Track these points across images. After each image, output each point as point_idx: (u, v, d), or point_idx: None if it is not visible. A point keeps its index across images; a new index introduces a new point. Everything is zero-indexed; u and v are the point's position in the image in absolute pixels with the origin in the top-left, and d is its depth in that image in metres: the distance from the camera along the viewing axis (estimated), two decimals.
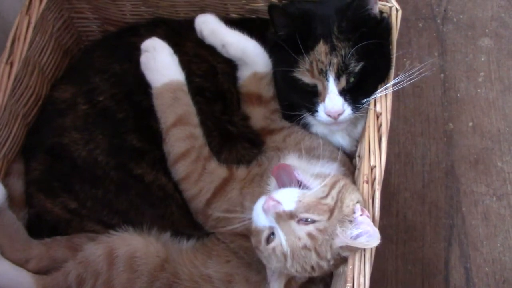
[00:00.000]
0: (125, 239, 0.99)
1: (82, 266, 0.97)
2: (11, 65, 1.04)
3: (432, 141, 1.47)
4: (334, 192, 0.89)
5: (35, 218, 1.06)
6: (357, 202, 0.89)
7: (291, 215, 0.85)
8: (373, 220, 0.89)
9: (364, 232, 0.84)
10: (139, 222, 1.02)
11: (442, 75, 1.56)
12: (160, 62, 1.04)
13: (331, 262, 0.87)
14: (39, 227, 1.05)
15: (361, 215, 0.86)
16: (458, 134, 1.48)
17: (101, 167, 1.03)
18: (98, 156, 1.03)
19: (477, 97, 1.52)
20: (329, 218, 0.86)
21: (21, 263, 0.99)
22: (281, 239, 0.85)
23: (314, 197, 0.88)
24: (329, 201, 0.88)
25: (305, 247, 0.85)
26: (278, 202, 0.85)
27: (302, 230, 0.85)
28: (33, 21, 1.08)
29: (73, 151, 1.03)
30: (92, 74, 1.10)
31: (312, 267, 0.86)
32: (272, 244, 0.87)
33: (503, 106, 1.51)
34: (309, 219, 0.86)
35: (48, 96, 1.14)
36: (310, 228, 0.85)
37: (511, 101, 1.52)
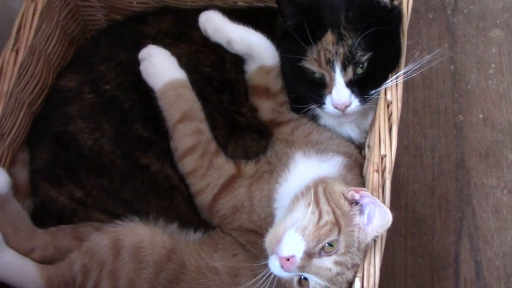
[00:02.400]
0: (131, 229, 0.97)
1: (87, 256, 0.96)
2: (17, 52, 1.03)
3: (442, 133, 1.45)
4: (324, 206, 0.87)
5: (40, 207, 1.05)
6: (343, 191, 0.88)
7: (309, 256, 0.84)
8: None
9: (370, 207, 0.83)
10: (145, 212, 1.01)
11: (452, 66, 1.54)
12: (158, 65, 1.03)
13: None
14: (44, 216, 1.04)
15: (360, 197, 0.85)
16: (469, 126, 1.45)
17: (107, 155, 1.02)
18: (104, 145, 1.02)
19: (488, 89, 1.50)
20: (340, 231, 0.84)
21: (26, 253, 0.98)
22: (315, 279, 0.83)
23: (312, 226, 0.85)
24: (326, 217, 0.85)
25: (338, 274, 0.83)
26: (292, 257, 0.83)
27: (327, 262, 0.84)
28: (39, 8, 1.07)
29: (79, 139, 1.02)
30: (98, 62, 1.09)
31: (352, 275, 0.85)
32: (310, 286, 0.85)
33: None
34: (326, 246, 0.84)
35: (53, 85, 1.13)
36: (334, 257, 0.84)
37: None
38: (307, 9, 1.02)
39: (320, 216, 0.86)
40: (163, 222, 1.01)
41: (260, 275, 0.87)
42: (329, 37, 1.00)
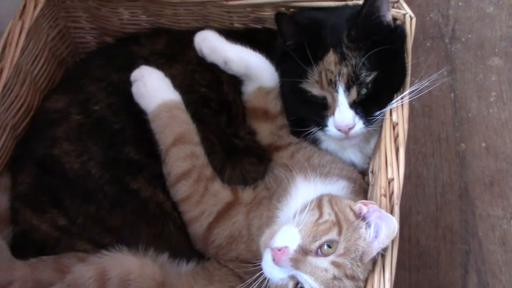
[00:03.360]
0: (119, 259, 0.90)
1: None
2: (1, 71, 0.98)
3: (444, 162, 1.40)
4: (326, 209, 0.83)
5: (20, 237, 0.97)
6: (350, 204, 0.83)
7: (303, 251, 0.78)
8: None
9: (377, 222, 0.78)
10: (134, 241, 0.94)
11: (452, 94, 1.51)
12: (151, 86, 0.98)
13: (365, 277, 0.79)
14: (25, 246, 0.96)
15: (367, 210, 0.80)
16: (471, 155, 1.41)
17: (95, 180, 0.95)
18: (91, 169, 0.95)
19: (489, 117, 1.47)
20: (340, 232, 0.79)
21: (3, 286, 0.90)
22: (309, 281, 0.77)
23: (310, 222, 0.81)
24: (327, 217, 0.81)
25: (335, 278, 0.76)
26: (285, 247, 0.78)
27: (324, 261, 0.78)
28: (26, 26, 1.03)
29: (64, 162, 0.96)
30: (87, 83, 1.04)
31: None
32: None
33: None
34: (324, 246, 0.78)
35: (39, 106, 1.08)
36: (331, 257, 0.78)
37: None
38: (307, 28, 0.99)
39: (320, 216, 0.81)
40: (153, 252, 0.94)
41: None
42: (331, 57, 0.96)
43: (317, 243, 0.78)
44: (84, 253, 0.94)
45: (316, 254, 0.78)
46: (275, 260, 0.77)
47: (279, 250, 0.77)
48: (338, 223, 0.79)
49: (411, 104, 1.47)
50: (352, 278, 0.77)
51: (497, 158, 1.40)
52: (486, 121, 1.46)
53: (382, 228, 0.78)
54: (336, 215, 0.80)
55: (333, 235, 0.78)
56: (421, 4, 1.67)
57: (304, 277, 0.76)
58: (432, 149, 1.43)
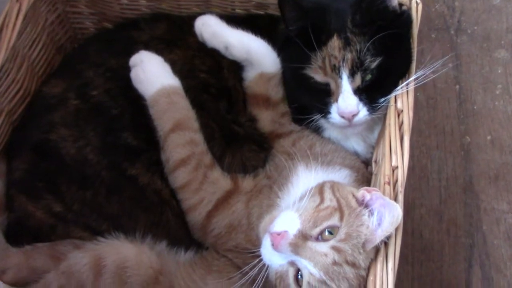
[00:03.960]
0: (115, 246, 0.88)
1: (65, 277, 0.86)
2: None
3: (448, 155, 1.38)
4: (328, 195, 0.80)
5: (15, 224, 0.95)
6: (353, 191, 0.81)
7: (303, 236, 0.76)
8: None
9: (380, 210, 0.76)
10: (131, 228, 0.92)
11: (457, 86, 1.48)
12: (150, 72, 0.96)
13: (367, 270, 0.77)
14: (20, 234, 0.94)
15: (370, 198, 0.78)
16: (476, 148, 1.38)
17: (92, 166, 0.93)
18: (88, 154, 0.93)
19: (495, 110, 1.44)
20: (342, 218, 0.77)
21: None
22: (309, 267, 0.74)
23: (310, 208, 0.79)
24: (329, 203, 0.79)
25: (335, 263, 0.74)
26: (284, 232, 0.76)
27: (324, 246, 0.75)
28: (23, 9, 1.00)
29: (61, 148, 0.94)
30: (85, 68, 1.02)
31: (353, 280, 0.75)
32: (305, 280, 0.75)
33: None
34: (325, 232, 0.76)
35: (37, 91, 1.05)
36: (332, 242, 0.75)
37: None
38: (311, 13, 0.96)
39: (321, 202, 0.79)
40: (151, 239, 0.92)
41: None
42: (335, 42, 0.93)
43: (318, 229, 0.76)
44: (80, 240, 0.92)
45: (317, 239, 0.76)
46: (274, 245, 0.75)
47: (278, 234, 0.75)
48: (339, 209, 0.77)
49: (415, 96, 1.46)
50: (353, 265, 0.74)
51: (503, 151, 1.38)
52: (492, 113, 1.44)
53: (385, 215, 0.76)
54: (338, 201, 0.78)
55: (334, 220, 0.76)
56: None
57: (303, 263, 0.74)
58: (437, 142, 1.40)
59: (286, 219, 0.78)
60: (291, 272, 0.76)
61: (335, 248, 0.74)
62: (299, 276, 0.76)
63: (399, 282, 1.21)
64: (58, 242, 0.93)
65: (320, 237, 0.76)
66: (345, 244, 0.75)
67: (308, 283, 0.75)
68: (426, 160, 1.38)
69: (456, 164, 1.37)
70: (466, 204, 1.31)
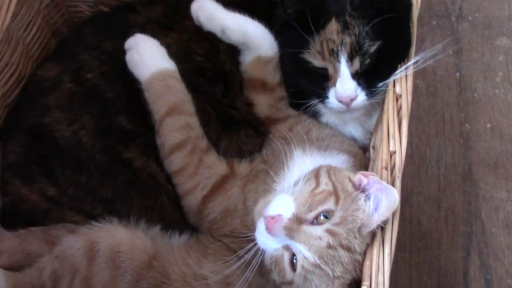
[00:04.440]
0: (109, 231, 0.87)
1: (58, 261, 0.85)
2: None
3: (448, 143, 1.37)
4: (324, 179, 0.79)
5: (9, 208, 0.94)
6: (350, 176, 0.80)
7: (298, 220, 0.75)
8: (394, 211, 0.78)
9: (377, 194, 0.75)
10: (125, 213, 0.91)
11: (457, 74, 1.47)
12: (145, 55, 0.95)
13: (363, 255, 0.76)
14: (14, 217, 0.93)
15: (367, 182, 0.77)
16: (476, 136, 1.37)
17: (86, 149, 0.92)
18: (83, 138, 0.92)
19: (495, 97, 1.43)
20: (337, 202, 0.76)
21: None
22: (303, 251, 0.73)
23: (305, 192, 0.78)
24: (324, 187, 0.78)
25: (329, 246, 0.73)
26: (279, 215, 0.75)
27: (319, 229, 0.74)
28: None
29: (55, 131, 0.93)
30: (81, 51, 1.00)
31: (348, 265, 0.74)
32: (299, 264, 0.74)
33: None
34: (320, 216, 0.75)
35: (31, 75, 1.04)
36: (326, 225, 0.75)
37: None
38: None
39: (317, 185, 0.78)
40: (145, 224, 0.91)
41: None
42: (333, 26, 0.92)
43: (313, 213, 0.75)
44: (74, 224, 0.91)
45: (312, 223, 0.75)
46: (268, 229, 0.74)
47: (273, 218, 0.74)
48: (335, 193, 0.76)
49: (415, 83, 1.45)
50: (348, 249, 0.74)
51: (502, 139, 1.37)
52: (492, 101, 1.42)
53: (382, 200, 0.75)
54: (334, 185, 0.77)
55: (329, 204, 0.75)
56: None
57: (298, 247, 0.73)
58: (436, 129, 1.39)
59: (281, 202, 0.77)
60: (286, 257, 0.76)
61: (329, 232, 0.73)
62: (294, 260, 0.75)
63: (397, 270, 1.21)
64: (52, 226, 0.92)
65: (315, 221, 0.75)
66: (340, 228, 0.74)
67: (302, 267, 0.74)
68: (425, 147, 1.37)
69: (455, 152, 1.36)
70: (465, 192, 1.30)
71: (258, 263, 0.78)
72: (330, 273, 0.74)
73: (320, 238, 0.73)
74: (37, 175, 0.92)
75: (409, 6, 0.95)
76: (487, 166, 1.33)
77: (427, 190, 1.31)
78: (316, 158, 0.91)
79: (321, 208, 0.75)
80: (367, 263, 0.75)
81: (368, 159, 0.99)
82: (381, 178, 0.81)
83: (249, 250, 0.79)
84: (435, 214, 1.28)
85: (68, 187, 0.92)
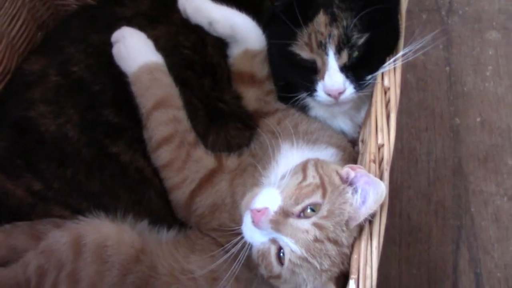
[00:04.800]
0: (95, 225, 0.86)
1: (44, 256, 0.84)
2: None
3: (438, 137, 1.36)
4: (311, 172, 0.79)
5: None
6: (337, 169, 0.79)
7: (285, 213, 0.74)
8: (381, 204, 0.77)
9: (365, 188, 0.74)
10: (112, 207, 0.90)
11: (447, 68, 1.47)
12: (132, 48, 0.94)
13: (350, 248, 0.76)
14: None
15: (354, 175, 0.76)
16: (466, 130, 1.37)
17: (72, 143, 0.91)
18: (68, 131, 0.91)
19: (485, 91, 1.43)
20: (324, 195, 0.75)
21: None
22: (290, 244, 0.73)
23: (292, 185, 0.77)
24: (311, 180, 0.78)
25: (316, 239, 0.73)
26: (265, 208, 0.74)
27: (305, 223, 0.74)
28: None
29: (40, 125, 0.91)
30: (67, 44, 0.99)
31: (336, 258, 0.74)
32: (286, 258, 0.74)
33: None
34: (307, 210, 0.75)
35: (17, 69, 1.03)
36: (313, 219, 0.74)
37: None
38: None
39: (304, 179, 0.77)
40: (132, 218, 0.90)
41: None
42: (321, 18, 0.91)
43: (300, 206, 0.74)
44: (60, 219, 0.90)
45: (298, 217, 0.74)
46: (254, 222, 0.74)
47: (259, 211, 0.73)
48: (322, 186, 0.76)
49: (405, 77, 1.44)
50: (335, 242, 0.73)
51: (492, 133, 1.37)
52: (482, 95, 1.42)
53: (369, 193, 0.74)
54: (321, 178, 0.77)
55: (316, 198, 0.75)
56: None
57: (284, 240, 0.73)
58: (426, 124, 1.39)
59: (267, 195, 0.76)
60: (273, 250, 0.75)
61: (316, 225, 0.73)
62: (281, 254, 0.74)
63: (387, 263, 1.21)
64: (38, 221, 0.91)
65: (302, 214, 0.75)
66: (327, 221, 0.73)
67: (290, 260, 0.73)
68: (415, 142, 1.36)
69: (445, 146, 1.35)
70: (454, 186, 1.30)
71: (245, 257, 0.78)
72: (318, 266, 0.73)
73: (307, 231, 0.72)
74: (22, 169, 0.91)
75: None
76: (476, 160, 1.33)
77: (417, 184, 1.31)
78: (305, 152, 0.90)
79: (307, 201, 0.74)
80: (355, 256, 0.75)
81: (357, 153, 0.99)
82: (369, 171, 0.80)
83: (236, 243, 0.78)
84: (425, 208, 1.28)
85: (54, 181, 0.91)
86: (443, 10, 1.56)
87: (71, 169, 0.91)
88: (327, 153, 0.92)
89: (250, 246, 0.78)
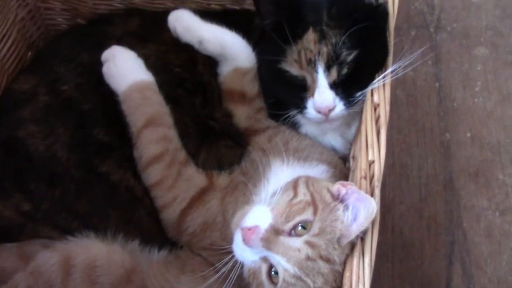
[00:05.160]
0: (85, 245, 0.85)
1: (33, 277, 0.83)
2: None
3: (428, 152, 1.37)
4: (302, 189, 0.79)
5: None
6: (328, 186, 0.79)
7: (275, 231, 0.74)
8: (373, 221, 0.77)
9: (356, 204, 0.74)
10: (102, 227, 0.89)
11: (437, 84, 1.48)
12: (122, 67, 0.94)
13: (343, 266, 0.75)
14: None
15: (345, 192, 0.76)
16: (456, 145, 1.38)
17: (61, 163, 0.90)
18: (58, 151, 0.91)
19: (474, 107, 1.44)
20: (315, 212, 0.75)
21: None
22: (282, 263, 0.72)
23: (283, 202, 0.77)
24: (302, 197, 0.77)
25: (308, 258, 0.72)
26: (255, 226, 0.74)
27: (297, 241, 0.73)
28: None
29: (29, 144, 0.91)
30: (56, 63, 0.99)
31: (328, 276, 0.73)
32: (280, 277, 0.73)
33: (502, 116, 1.42)
34: (298, 227, 0.75)
35: (6, 88, 1.02)
36: (305, 237, 0.74)
37: (510, 111, 1.43)
38: (286, 7, 0.94)
39: (294, 196, 0.77)
40: (122, 238, 0.89)
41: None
42: (310, 36, 0.92)
43: (291, 224, 0.74)
44: (49, 239, 0.89)
45: (289, 234, 0.74)
46: (245, 241, 0.73)
47: (249, 229, 0.73)
48: (313, 203, 0.75)
49: (395, 93, 1.45)
50: (327, 260, 0.73)
51: (482, 148, 1.37)
52: (471, 110, 1.43)
53: (360, 210, 0.74)
54: (312, 195, 0.76)
55: (307, 215, 0.74)
56: None
57: (276, 258, 0.72)
58: (417, 139, 1.40)
59: (258, 213, 0.76)
60: (264, 268, 0.74)
61: (308, 243, 0.72)
62: (272, 273, 0.74)
63: (380, 280, 1.20)
64: (27, 242, 0.90)
65: (293, 232, 0.74)
66: (318, 239, 0.73)
67: (284, 279, 0.73)
68: (406, 157, 1.37)
69: (436, 161, 1.36)
70: (446, 201, 1.30)
71: (236, 276, 0.77)
72: (311, 284, 0.73)
73: (299, 250, 0.72)
74: (11, 190, 0.91)
75: (385, 15, 0.96)
76: (467, 175, 1.34)
77: (408, 199, 1.31)
78: (296, 169, 0.90)
79: (298, 219, 0.74)
80: (347, 273, 0.74)
81: (348, 169, 0.99)
82: (360, 187, 0.80)
83: (227, 263, 0.77)
84: (417, 223, 1.27)
85: (43, 202, 0.90)
86: (431, 27, 1.58)
87: (60, 189, 0.90)
88: (318, 170, 0.92)
89: (241, 265, 0.77)
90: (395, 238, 1.25)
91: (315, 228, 0.74)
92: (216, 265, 0.81)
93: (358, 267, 0.74)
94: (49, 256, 0.83)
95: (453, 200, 1.30)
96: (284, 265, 0.72)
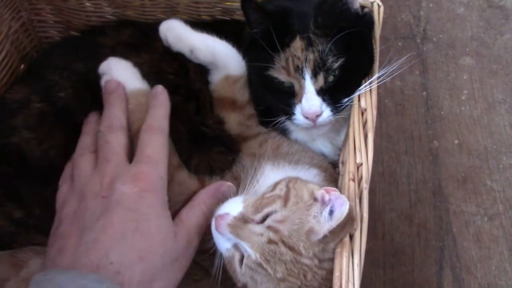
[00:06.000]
0: None
1: (25, 284, 0.83)
2: None
3: (417, 160, 1.39)
4: (280, 186, 0.82)
5: None
6: (314, 189, 0.81)
7: (244, 219, 0.77)
8: (361, 221, 0.78)
9: (336, 206, 0.75)
10: None
11: (424, 93, 1.51)
12: (118, 78, 0.95)
13: (317, 262, 0.75)
14: None
15: (329, 198, 0.77)
16: (444, 152, 1.40)
17: (56, 169, 0.91)
18: (52, 157, 0.91)
19: (461, 115, 1.46)
20: (285, 205, 0.77)
21: None
22: (247, 248, 0.75)
23: (257, 195, 0.81)
24: (278, 192, 0.80)
25: (270, 241, 0.74)
26: (226, 214, 0.78)
27: (261, 226, 0.76)
28: None
29: (24, 151, 0.91)
30: (50, 72, 1.00)
31: (294, 265, 0.74)
32: (244, 263, 0.76)
33: (488, 123, 1.44)
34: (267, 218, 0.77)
35: None
36: (268, 221, 0.76)
37: (496, 119, 1.46)
38: (274, 16, 0.97)
39: (271, 191, 0.81)
40: None
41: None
42: (297, 43, 0.94)
43: (260, 214, 0.77)
44: (42, 246, 0.90)
45: (258, 224, 0.77)
46: (216, 227, 0.76)
47: (220, 216, 0.77)
48: (285, 197, 0.78)
49: (383, 102, 1.48)
50: (291, 248, 0.74)
51: (470, 154, 1.40)
52: (459, 118, 1.46)
53: (336, 210, 0.75)
54: (288, 191, 0.79)
55: (276, 207, 0.77)
56: (393, 6, 1.68)
57: (243, 245, 0.75)
58: (405, 147, 1.42)
59: (231, 203, 0.80)
60: (237, 256, 0.77)
61: (270, 228, 0.75)
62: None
63: (371, 286, 1.21)
64: (18, 249, 0.90)
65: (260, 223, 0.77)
66: (282, 226, 0.75)
67: (246, 265, 0.75)
68: (396, 165, 1.39)
69: (425, 169, 1.38)
70: (435, 207, 1.32)
71: (220, 272, 0.79)
72: (272, 273, 0.74)
73: (261, 234, 0.74)
74: (3, 198, 0.91)
75: (371, 23, 0.98)
76: (456, 181, 1.36)
77: (398, 206, 1.32)
78: (287, 172, 0.92)
79: (267, 210, 0.77)
80: (336, 273, 0.75)
81: (338, 174, 1.00)
82: (348, 189, 0.82)
83: (219, 266, 0.79)
84: (408, 230, 1.29)
85: (35, 208, 0.90)
86: (418, 38, 1.62)
87: (53, 196, 0.90)
88: (310, 174, 0.94)
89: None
90: (386, 245, 1.26)
91: (279, 215, 0.76)
92: (212, 274, 0.82)
93: (348, 267, 0.75)
94: (41, 263, 0.84)
95: (442, 206, 1.32)
96: (248, 251, 0.74)
